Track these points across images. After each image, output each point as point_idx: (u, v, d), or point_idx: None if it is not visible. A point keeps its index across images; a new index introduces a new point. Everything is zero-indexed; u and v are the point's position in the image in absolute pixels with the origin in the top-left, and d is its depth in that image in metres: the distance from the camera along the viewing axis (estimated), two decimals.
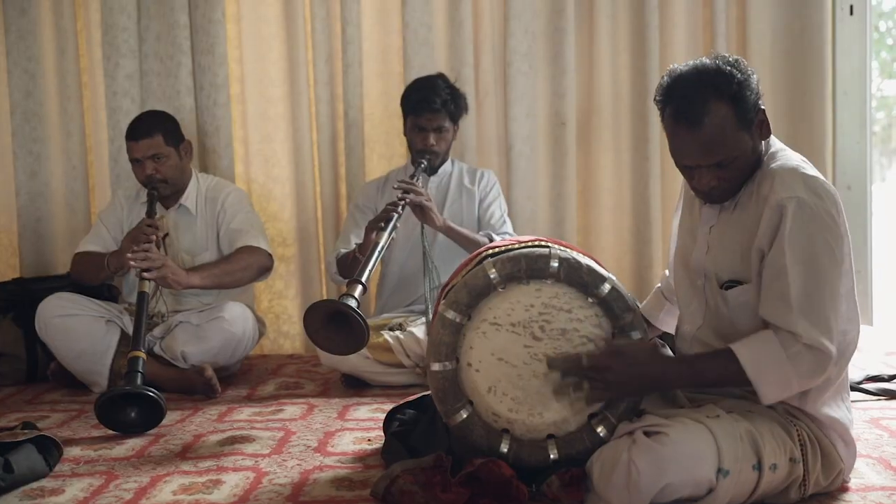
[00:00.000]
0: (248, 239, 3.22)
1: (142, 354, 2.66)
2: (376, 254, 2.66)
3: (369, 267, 2.56)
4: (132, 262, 2.88)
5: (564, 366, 1.88)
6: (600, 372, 1.85)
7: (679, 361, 1.96)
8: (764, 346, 1.78)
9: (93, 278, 3.26)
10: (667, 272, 2.32)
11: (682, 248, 2.09)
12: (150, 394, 2.56)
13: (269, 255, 3.27)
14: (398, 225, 2.87)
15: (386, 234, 2.76)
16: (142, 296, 2.83)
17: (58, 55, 3.79)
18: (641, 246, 3.78)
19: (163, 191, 3.24)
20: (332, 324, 2.32)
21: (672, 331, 2.20)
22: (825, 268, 1.77)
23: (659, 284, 2.33)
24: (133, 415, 2.58)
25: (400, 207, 2.90)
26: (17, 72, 3.76)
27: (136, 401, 2.57)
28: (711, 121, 1.79)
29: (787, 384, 1.77)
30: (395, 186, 3.03)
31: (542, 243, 1.98)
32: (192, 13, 3.73)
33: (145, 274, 2.88)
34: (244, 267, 3.18)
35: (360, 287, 2.40)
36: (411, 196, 2.98)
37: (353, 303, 2.31)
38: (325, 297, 3.88)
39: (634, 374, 1.85)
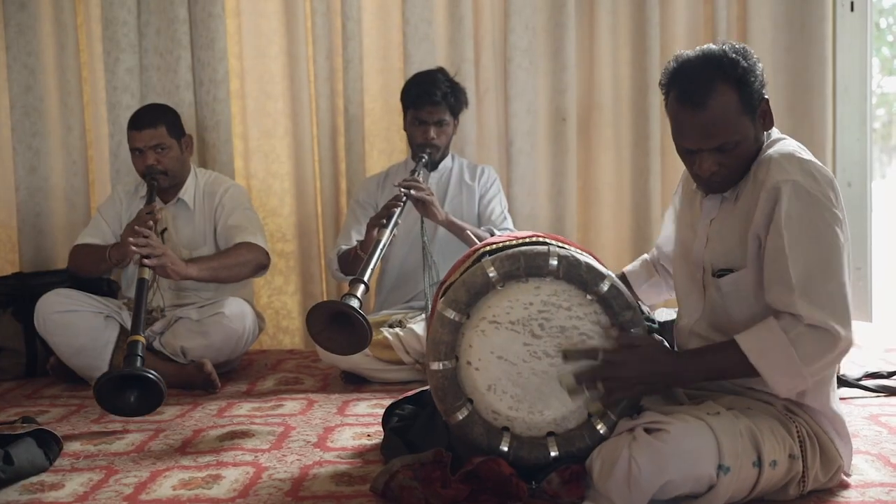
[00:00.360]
0: (245, 236, 3.22)
1: (141, 339, 2.63)
2: (378, 251, 2.65)
3: (371, 265, 2.55)
4: (133, 247, 2.88)
5: (580, 358, 1.87)
6: (616, 368, 1.85)
7: (689, 356, 1.93)
8: (765, 333, 1.77)
9: (92, 270, 3.25)
10: (655, 251, 2.34)
11: (682, 241, 2.09)
12: (150, 376, 2.51)
13: (267, 252, 3.27)
14: (399, 221, 2.87)
15: (388, 232, 2.75)
16: (141, 282, 2.82)
17: (57, 50, 3.79)
18: (641, 243, 3.78)
19: (162, 183, 3.24)
20: (335, 324, 2.32)
21: (651, 303, 2.26)
22: (826, 247, 1.76)
23: (646, 256, 2.35)
24: (132, 399, 2.55)
25: (401, 203, 2.90)
26: (16, 67, 3.76)
27: (136, 384, 2.53)
28: (715, 102, 1.80)
29: (795, 371, 1.75)
30: (396, 185, 3.02)
31: (540, 240, 1.98)
32: (192, 8, 3.73)
33: (145, 261, 2.87)
34: (242, 263, 3.17)
35: (362, 287, 2.40)
36: (413, 191, 2.98)
37: (355, 303, 2.31)
38: (324, 293, 3.89)
39: (649, 370, 1.84)
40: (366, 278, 2.45)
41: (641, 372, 1.85)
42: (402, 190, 2.97)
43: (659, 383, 1.88)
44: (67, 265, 3.36)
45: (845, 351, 1.78)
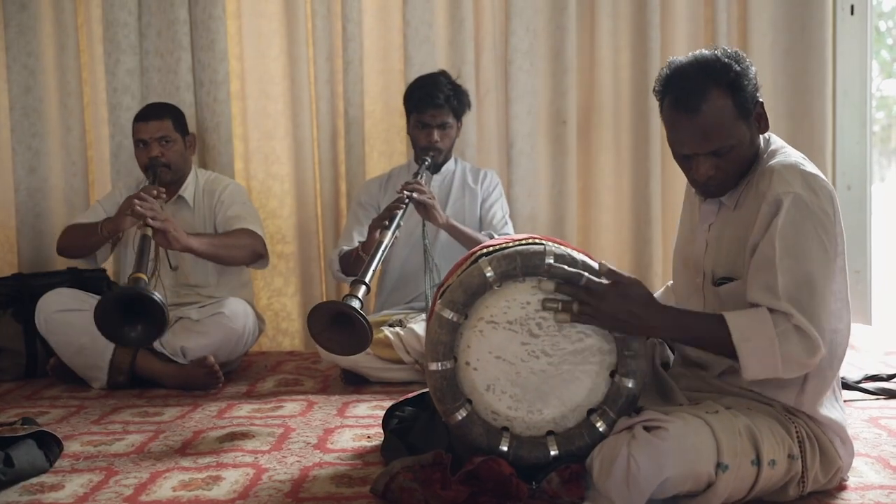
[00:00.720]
0: (244, 224, 3.25)
1: (144, 276, 2.60)
2: (380, 253, 2.65)
3: (373, 266, 2.55)
4: (138, 208, 2.87)
5: (564, 276, 1.85)
6: (595, 296, 1.83)
7: (671, 312, 1.91)
8: (755, 317, 1.77)
9: (81, 246, 3.23)
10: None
11: (681, 245, 2.10)
12: (155, 297, 2.48)
13: (264, 243, 3.29)
14: (401, 223, 2.87)
15: (389, 233, 2.76)
16: (145, 237, 2.81)
17: (58, 51, 3.79)
18: (642, 244, 3.78)
19: (164, 176, 3.25)
20: (336, 324, 2.32)
21: None
22: (815, 263, 1.77)
23: (670, 283, 2.34)
24: (133, 335, 2.53)
25: (403, 206, 2.90)
26: (16, 67, 3.76)
27: (138, 316, 2.51)
28: (709, 108, 1.81)
29: (770, 361, 1.76)
30: (399, 189, 3.02)
31: (537, 241, 1.98)
32: (193, 9, 3.74)
33: (150, 221, 2.86)
34: (241, 245, 3.20)
35: (363, 287, 2.40)
36: (415, 194, 2.98)
37: (356, 304, 2.31)
38: (324, 295, 3.89)
39: (626, 310, 1.81)
40: (367, 279, 2.45)
41: (618, 308, 1.81)
42: (405, 192, 2.97)
43: (632, 325, 1.84)
44: (57, 245, 3.32)
45: (813, 366, 1.80)
